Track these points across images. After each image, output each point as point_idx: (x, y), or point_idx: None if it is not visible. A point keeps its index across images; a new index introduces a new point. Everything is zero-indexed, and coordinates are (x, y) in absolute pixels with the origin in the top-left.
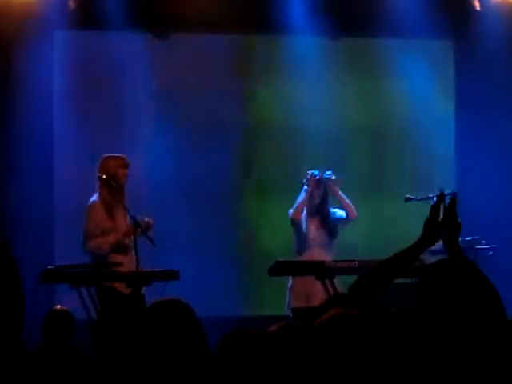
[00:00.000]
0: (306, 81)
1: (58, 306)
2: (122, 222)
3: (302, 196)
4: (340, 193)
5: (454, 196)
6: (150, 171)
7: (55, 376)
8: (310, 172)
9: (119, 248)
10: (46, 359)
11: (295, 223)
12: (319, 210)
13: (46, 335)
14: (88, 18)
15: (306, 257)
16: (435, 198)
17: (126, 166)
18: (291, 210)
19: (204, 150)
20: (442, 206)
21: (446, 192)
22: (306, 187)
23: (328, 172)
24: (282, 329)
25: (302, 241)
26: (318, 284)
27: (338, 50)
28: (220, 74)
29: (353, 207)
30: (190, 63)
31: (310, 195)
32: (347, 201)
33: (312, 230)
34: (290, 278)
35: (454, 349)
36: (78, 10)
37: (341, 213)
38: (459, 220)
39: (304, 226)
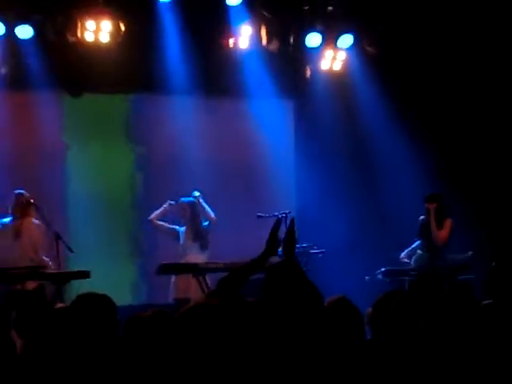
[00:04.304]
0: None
1: None
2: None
3: (163, 207)
4: (204, 204)
5: (292, 222)
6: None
7: None
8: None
9: None
10: None
11: (153, 225)
12: (193, 229)
13: None
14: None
15: (185, 260)
16: (279, 217)
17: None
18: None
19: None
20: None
21: (287, 212)
22: (170, 202)
23: (196, 194)
24: (154, 314)
25: (182, 249)
26: (194, 280)
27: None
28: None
29: (211, 213)
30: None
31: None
32: (207, 209)
33: (189, 242)
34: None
35: (285, 330)
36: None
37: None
38: (296, 237)
39: (182, 238)
